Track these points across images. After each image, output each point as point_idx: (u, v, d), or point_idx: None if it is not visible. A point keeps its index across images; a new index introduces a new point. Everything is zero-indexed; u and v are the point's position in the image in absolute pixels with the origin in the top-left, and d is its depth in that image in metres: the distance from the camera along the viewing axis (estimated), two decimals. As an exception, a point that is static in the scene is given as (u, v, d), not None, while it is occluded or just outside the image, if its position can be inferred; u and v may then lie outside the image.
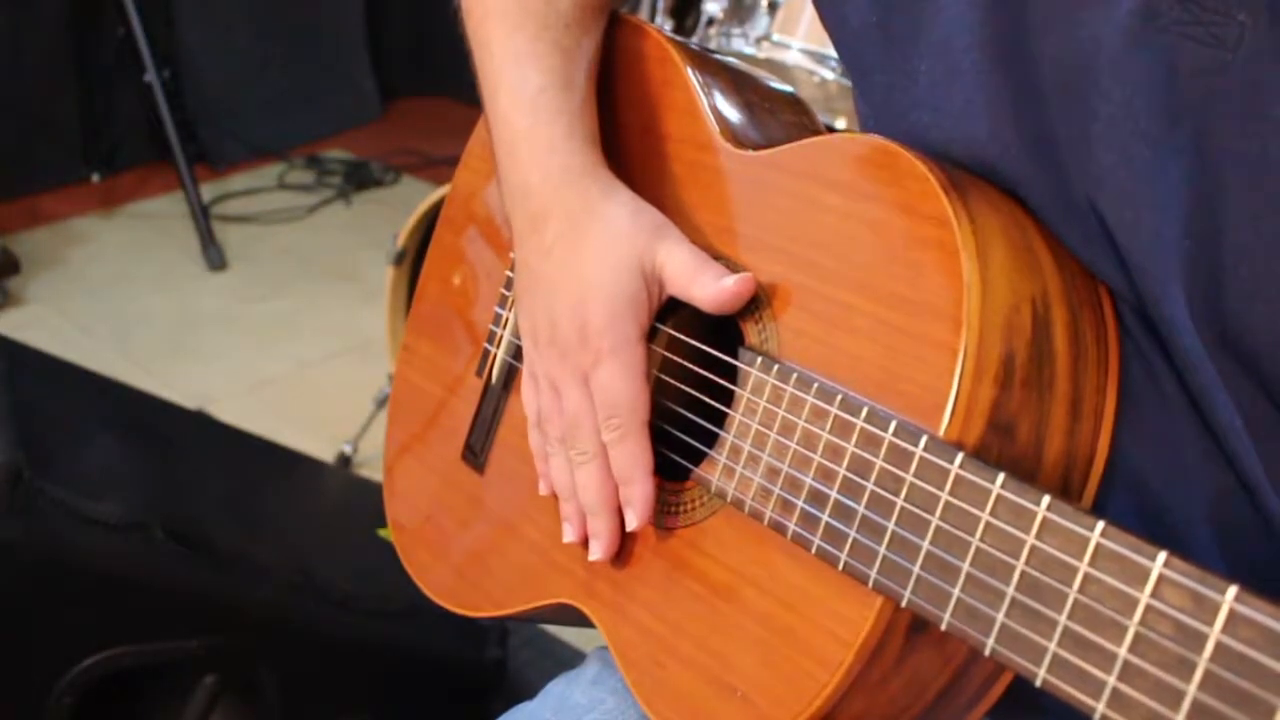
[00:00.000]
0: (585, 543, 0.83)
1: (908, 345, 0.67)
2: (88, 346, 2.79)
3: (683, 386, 0.84)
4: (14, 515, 1.29)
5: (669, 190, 0.88)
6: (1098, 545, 0.55)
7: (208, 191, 3.44)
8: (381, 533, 1.55)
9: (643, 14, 2.43)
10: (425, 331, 1.10)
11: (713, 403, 0.80)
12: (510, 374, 0.98)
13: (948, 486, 0.62)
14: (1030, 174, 0.70)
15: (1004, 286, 0.65)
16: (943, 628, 0.61)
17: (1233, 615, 0.50)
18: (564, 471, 0.84)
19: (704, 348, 0.82)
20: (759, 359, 0.75)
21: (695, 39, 2.23)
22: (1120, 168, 0.65)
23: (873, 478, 0.66)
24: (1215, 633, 0.50)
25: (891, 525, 0.64)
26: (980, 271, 0.65)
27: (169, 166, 3.32)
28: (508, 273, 1.01)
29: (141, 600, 1.39)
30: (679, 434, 0.83)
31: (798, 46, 2.10)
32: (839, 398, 0.69)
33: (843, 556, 0.66)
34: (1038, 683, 0.57)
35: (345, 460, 2.41)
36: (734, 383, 0.77)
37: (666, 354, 0.86)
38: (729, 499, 0.75)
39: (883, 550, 0.64)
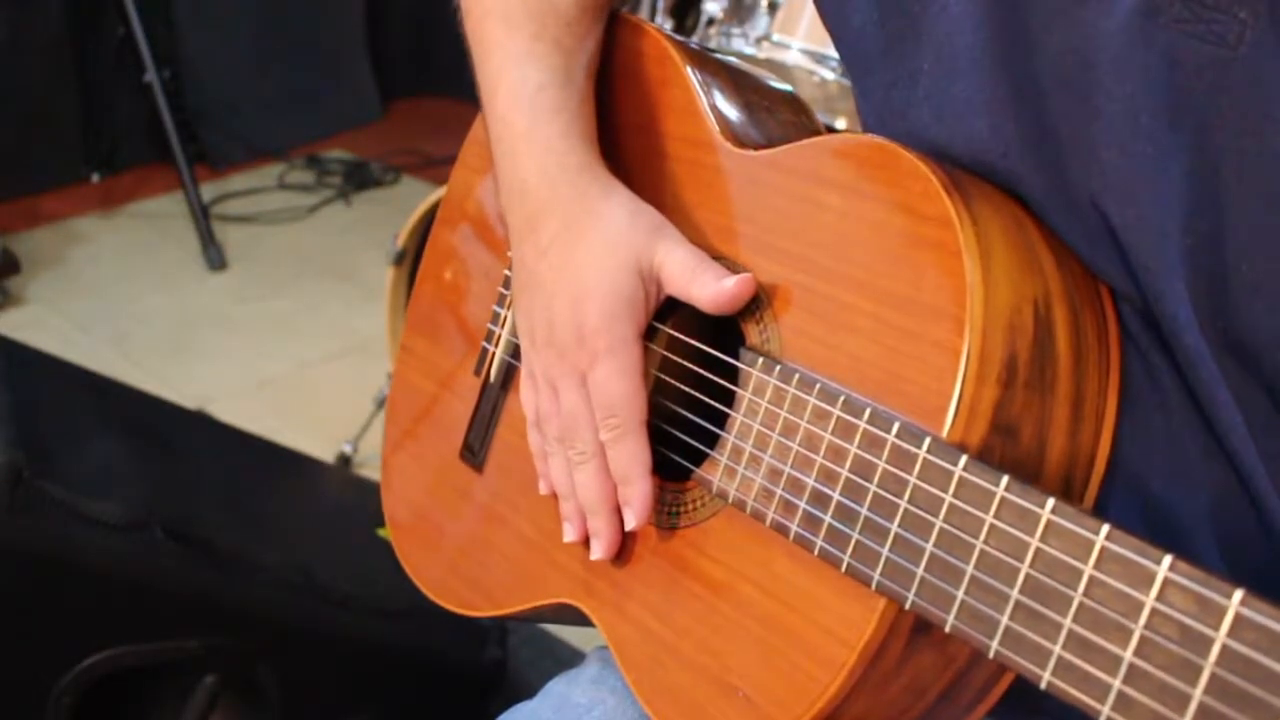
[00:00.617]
0: (586, 542, 0.83)
1: (910, 346, 0.67)
2: (88, 346, 2.78)
3: (684, 387, 0.84)
4: (14, 515, 1.29)
5: (669, 190, 0.87)
6: (1102, 548, 0.55)
7: (208, 191, 3.44)
8: (381, 533, 1.55)
9: (643, 14, 2.43)
10: (423, 331, 1.10)
11: (714, 403, 0.79)
12: (509, 373, 0.98)
13: (951, 488, 0.61)
14: (1032, 172, 0.70)
15: (1006, 287, 0.65)
16: (946, 630, 0.61)
17: (1238, 619, 0.49)
18: (563, 471, 0.84)
19: (705, 348, 0.82)
20: (760, 360, 0.75)
21: (695, 39, 2.23)
22: (1122, 165, 0.65)
23: (876, 479, 0.65)
24: (1220, 636, 0.50)
25: (895, 527, 0.64)
26: (982, 272, 0.65)
27: (169, 166, 3.32)
28: (505, 271, 1.01)
29: (141, 600, 1.38)
30: (680, 434, 0.83)
31: (798, 46, 2.10)
32: (841, 399, 0.68)
33: (845, 558, 0.66)
34: (1042, 685, 0.57)
35: (345, 460, 2.40)
36: (735, 383, 0.77)
37: (667, 354, 0.85)
38: (730, 500, 0.75)
39: (886, 552, 0.64)
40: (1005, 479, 0.59)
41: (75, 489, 1.36)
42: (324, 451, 2.34)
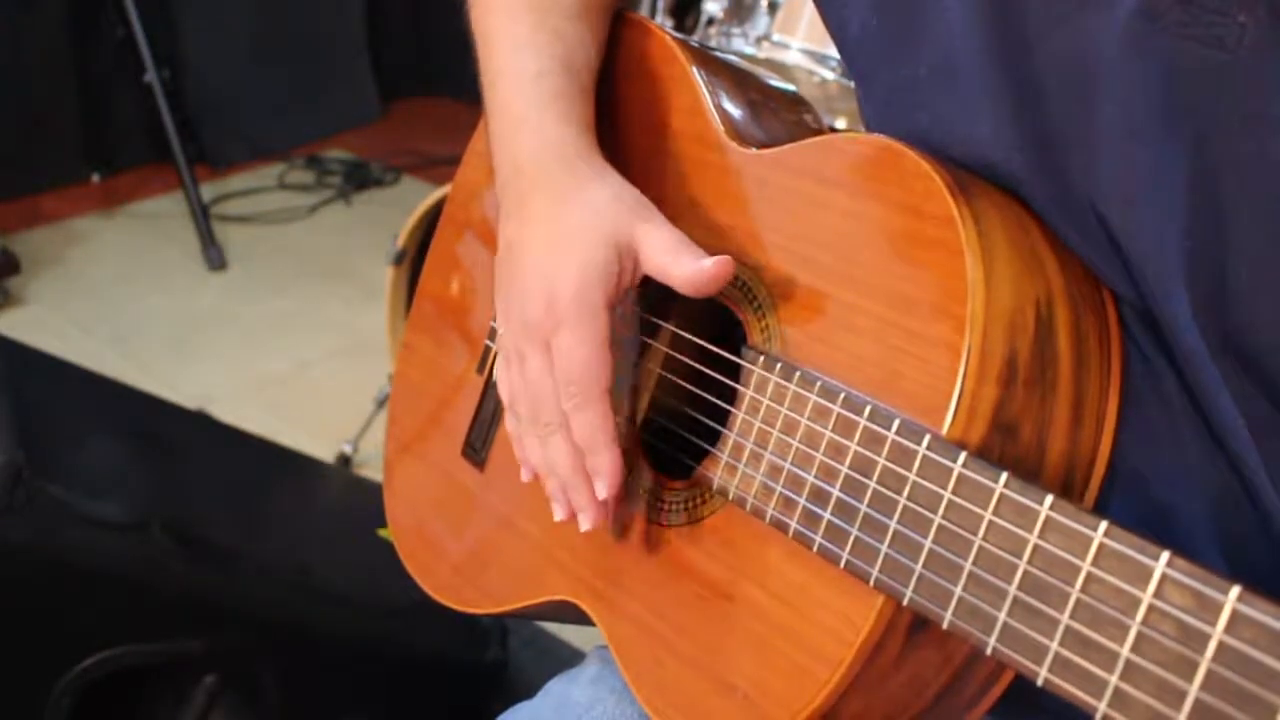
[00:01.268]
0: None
1: (911, 345, 0.67)
2: (88, 346, 2.78)
3: (686, 385, 0.84)
4: (14, 515, 1.29)
5: (673, 188, 0.88)
6: (1101, 545, 0.55)
7: (208, 191, 3.44)
8: (381, 533, 1.55)
9: (642, 13, 2.43)
10: (426, 329, 1.10)
11: (716, 401, 0.80)
12: None
13: (950, 485, 0.62)
14: (1032, 175, 0.70)
15: (1008, 287, 0.65)
16: (944, 626, 0.61)
17: (1235, 615, 0.50)
18: (535, 449, 0.83)
19: (708, 346, 0.82)
20: (762, 357, 0.75)
21: (695, 39, 2.23)
22: (1121, 169, 0.65)
23: (875, 476, 0.66)
24: (1218, 632, 0.50)
25: (894, 524, 0.64)
26: (984, 272, 0.65)
27: (169, 166, 3.32)
28: None
29: (141, 600, 1.39)
30: (682, 432, 0.83)
31: (798, 46, 2.10)
32: (842, 396, 0.69)
33: (844, 555, 0.66)
34: (1039, 682, 0.57)
35: (345, 460, 2.41)
36: (737, 381, 0.77)
37: (670, 352, 0.86)
38: (731, 497, 0.75)
39: (884, 549, 0.64)
40: (1004, 476, 0.59)
41: (75, 489, 1.36)
42: (324, 451, 2.34)
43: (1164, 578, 0.52)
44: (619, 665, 0.80)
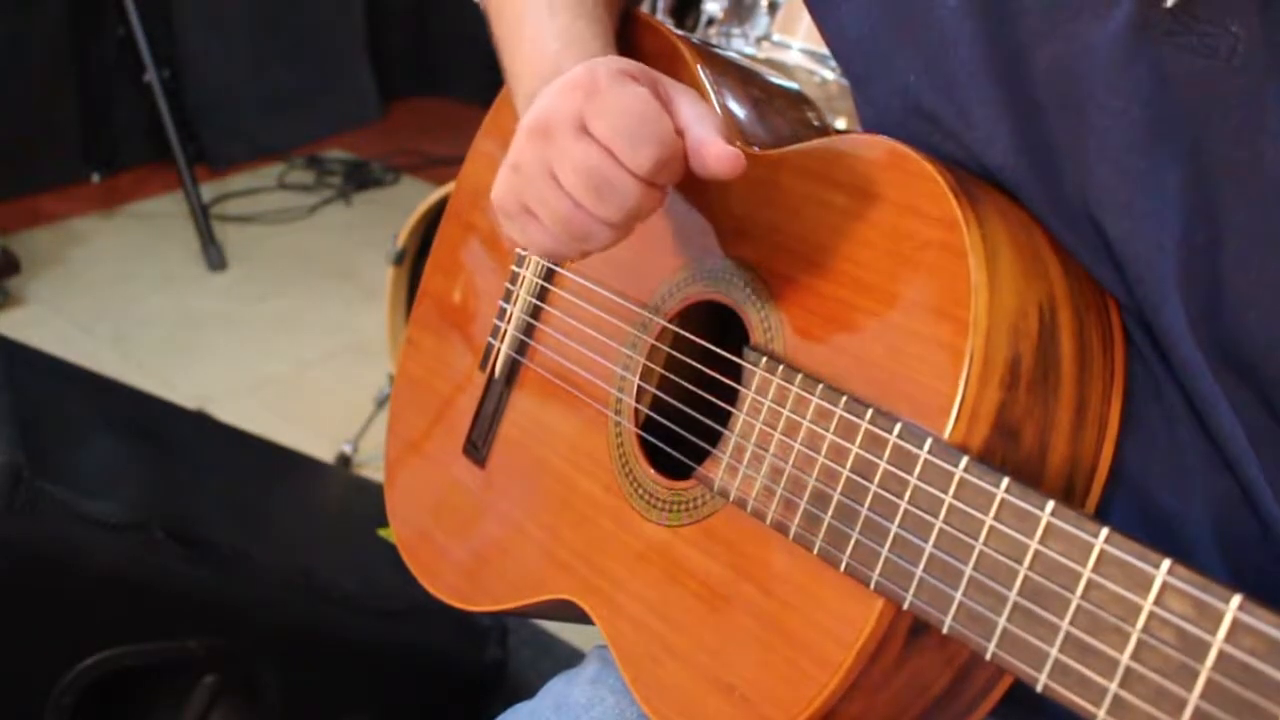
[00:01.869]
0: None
1: (914, 347, 0.67)
2: (88, 346, 2.78)
3: (688, 385, 0.84)
4: (14, 515, 1.29)
5: (676, 187, 0.88)
6: (1101, 551, 0.55)
7: (208, 191, 3.44)
8: (381, 533, 1.55)
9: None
10: (429, 326, 1.10)
11: (718, 402, 0.80)
12: (513, 368, 0.98)
13: (951, 489, 0.62)
14: (1028, 184, 0.70)
15: (1011, 290, 0.65)
16: (944, 631, 0.61)
17: (1236, 624, 0.50)
18: (559, 204, 0.75)
19: (710, 346, 0.82)
20: (764, 359, 0.75)
21: (698, 38, 2.23)
22: (1116, 178, 0.66)
23: (876, 479, 0.66)
24: (1218, 641, 0.50)
25: (894, 527, 0.64)
26: (988, 275, 0.65)
27: (169, 166, 3.32)
28: (512, 267, 1.01)
29: (141, 600, 1.39)
30: (683, 432, 0.83)
31: (798, 46, 2.10)
32: (844, 399, 0.69)
33: (844, 558, 0.66)
34: (1039, 688, 0.57)
35: (345, 460, 2.40)
36: (739, 382, 0.77)
37: (672, 352, 0.86)
38: (731, 498, 0.75)
39: (885, 552, 0.64)
40: (1005, 480, 0.59)
41: (75, 489, 1.36)
42: (324, 451, 2.34)
43: (1165, 585, 0.52)
44: (618, 664, 0.80)
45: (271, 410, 2.59)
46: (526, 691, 0.94)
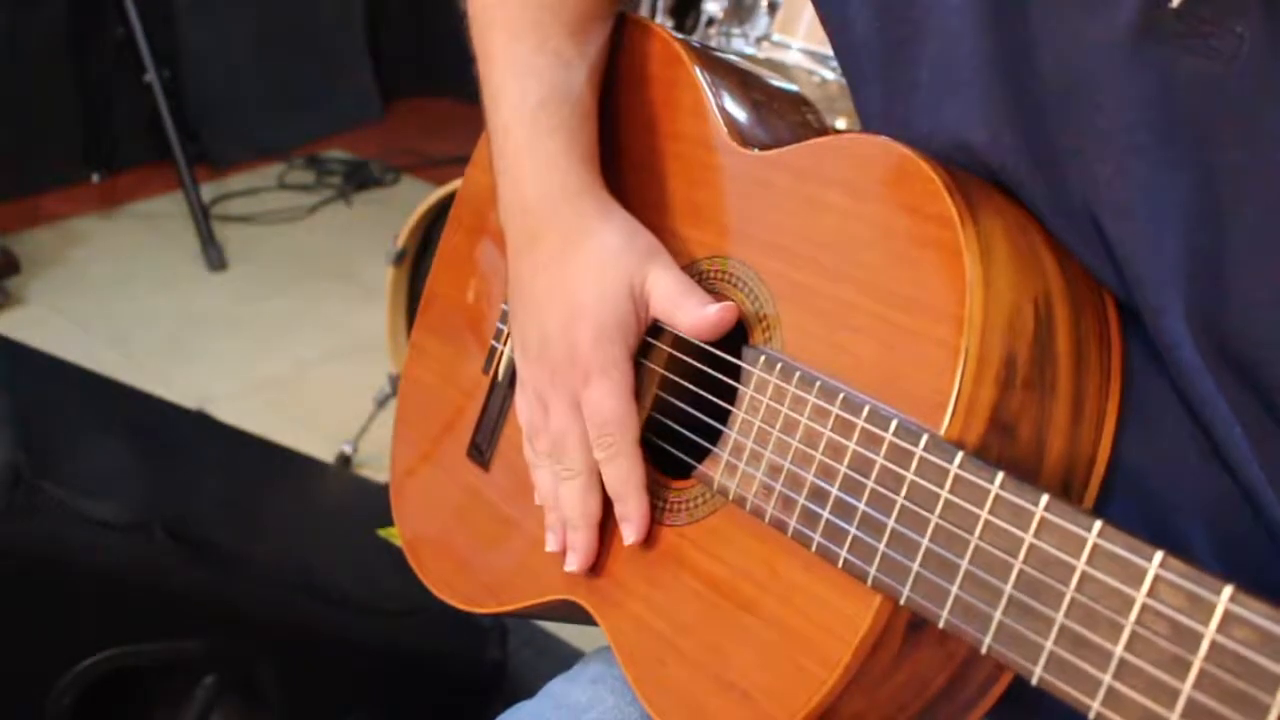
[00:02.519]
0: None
1: (910, 345, 0.67)
2: (88, 346, 2.78)
3: (689, 385, 0.84)
4: (14, 515, 1.30)
5: (675, 189, 0.88)
6: (1095, 545, 0.55)
7: (208, 191, 3.44)
8: (382, 533, 1.55)
9: (642, 14, 2.43)
10: (434, 329, 1.11)
11: (717, 400, 0.80)
12: (516, 371, 0.98)
13: (947, 485, 0.62)
14: (1030, 184, 0.70)
15: (1007, 287, 0.66)
16: (940, 625, 0.61)
17: (1228, 615, 0.50)
18: (549, 484, 0.86)
19: (709, 346, 0.82)
20: (762, 357, 0.75)
21: (696, 39, 2.24)
22: (1118, 179, 0.66)
23: (873, 476, 0.66)
24: (1210, 632, 0.50)
25: (891, 523, 0.64)
26: (983, 272, 0.65)
27: (169, 166, 3.32)
28: None
29: (141, 600, 1.39)
30: (684, 431, 0.83)
31: (798, 46, 2.10)
32: (841, 396, 0.69)
33: (842, 554, 0.67)
34: (1034, 681, 0.57)
35: (345, 460, 2.41)
36: (738, 381, 0.77)
37: (673, 352, 0.86)
38: (731, 496, 0.76)
39: (882, 548, 0.64)
40: (1000, 476, 0.60)
41: (75, 489, 1.36)
42: (324, 451, 2.34)
43: (1157, 578, 0.53)
44: (620, 664, 0.80)
45: (271, 410, 2.60)
46: (526, 691, 0.94)
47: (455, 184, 1.14)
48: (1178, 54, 0.62)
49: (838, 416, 0.69)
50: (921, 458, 0.63)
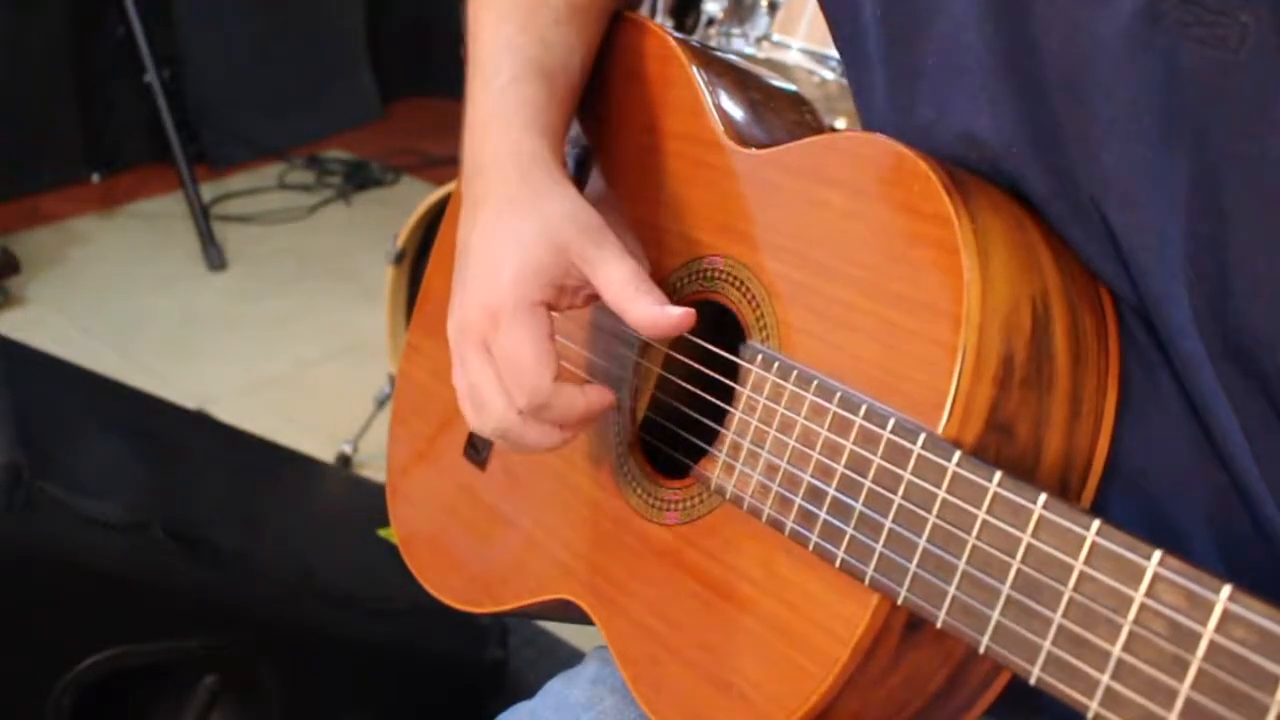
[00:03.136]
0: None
1: (907, 344, 0.67)
2: (88, 346, 2.79)
3: (685, 384, 0.84)
4: (14, 515, 1.30)
5: (672, 188, 0.88)
6: (1093, 544, 0.55)
7: (208, 191, 3.44)
8: (382, 532, 1.55)
9: (642, 14, 2.43)
10: (430, 328, 1.11)
11: (716, 400, 0.80)
12: None
13: (945, 484, 0.62)
14: (1034, 173, 0.70)
15: (1004, 286, 0.66)
16: (938, 625, 0.61)
17: (1226, 614, 0.50)
18: (491, 434, 0.84)
19: (706, 345, 0.82)
20: (760, 355, 0.75)
21: (695, 38, 2.23)
22: (1123, 168, 0.65)
23: (870, 475, 0.66)
24: (1209, 632, 0.50)
25: (889, 522, 0.64)
26: (980, 270, 0.65)
27: (169, 166, 3.32)
28: None
29: (141, 600, 1.39)
30: (681, 431, 0.83)
31: (798, 46, 2.10)
32: (838, 395, 0.69)
33: (839, 553, 0.66)
34: (1032, 680, 0.57)
35: (345, 460, 2.41)
36: (736, 380, 0.77)
37: (669, 351, 0.86)
38: (728, 496, 0.76)
39: (879, 547, 0.64)
40: (998, 475, 0.60)
41: (75, 489, 1.36)
42: (324, 451, 2.34)
43: (1156, 577, 0.52)
44: (617, 664, 0.80)
45: (271, 410, 2.60)
46: (526, 691, 0.94)
47: (455, 184, 1.14)
48: (1182, 42, 0.62)
49: (835, 415, 0.69)
50: (919, 456, 0.63)
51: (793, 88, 0.97)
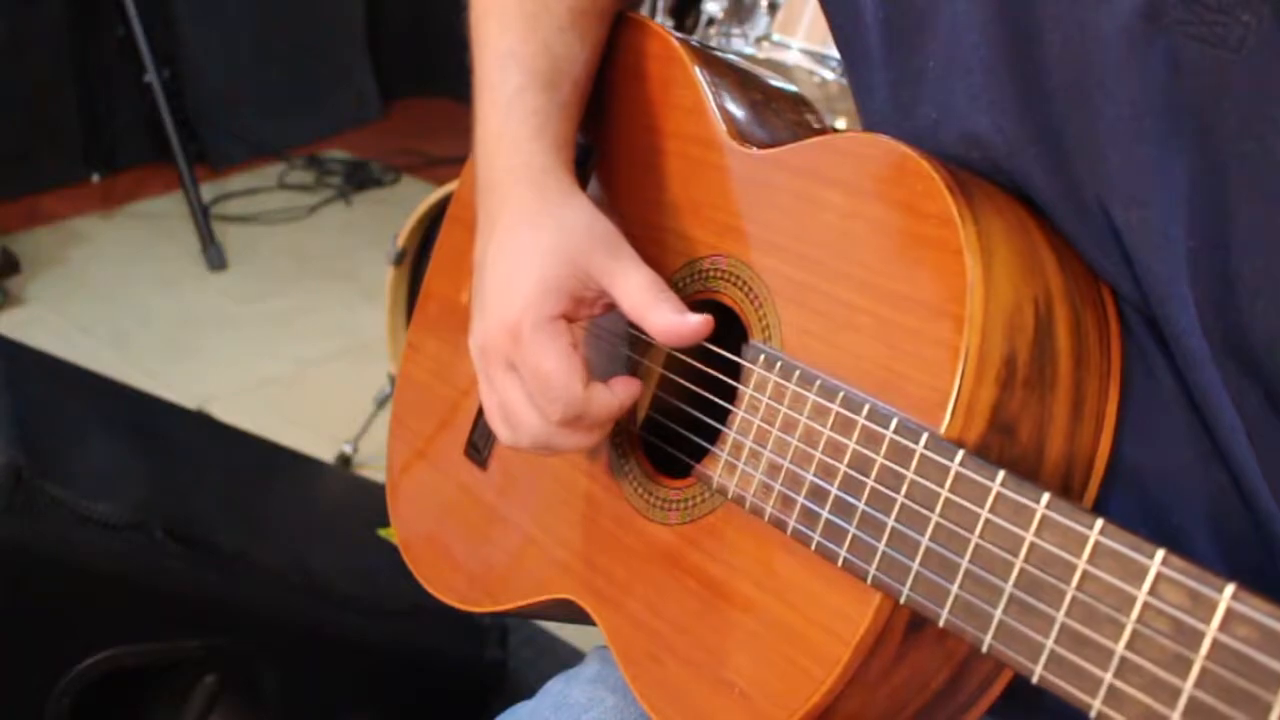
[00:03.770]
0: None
1: (910, 344, 0.67)
2: (88, 346, 2.79)
3: (687, 383, 0.84)
4: (14, 515, 1.29)
5: (674, 188, 0.88)
6: (1096, 543, 0.55)
7: (208, 191, 3.44)
8: (382, 532, 1.55)
9: (642, 13, 2.43)
10: (430, 328, 1.11)
11: (717, 399, 0.80)
12: None
13: (948, 484, 0.62)
14: (1037, 172, 0.70)
15: (1007, 286, 0.66)
16: (940, 624, 0.61)
17: (1230, 613, 0.50)
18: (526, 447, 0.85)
19: (708, 345, 0.82)
20: (762, 355, 0.75)
21: (696, 39, 2.24)
22: (1126, 167, 0.65)
23: (873, 474, 0.66)
24: (1212, 630, 0.50)
25: (891, 522, 0.64)
26: (983, 271, 0.65)
27: (169, 166, 3.32)
28: None
29: (141, 600, 1.39)
30: (683, 430, 0.83)
31: (798, 46, 2.10)
32: (841, 395, 0.69)
33: (842, 553, 0.66)
34: (1035, 680, 0.57)
35: (345, 460, 2.41)
36: (738, 380, 0.77)
37: (672, 350, 0.86)
38: (730, 495, 0.75)
39: (882, 547, 0.64)
40: (1001, 474, 0.60)
41: (75, 489, 1.36)
42: (324, 451, 2.34)
43: (1159, 576, 0.53)
44: (618, 663, 0.80)
45: (271, 410, 2.60)
46: (526, 691, 0.94)
47: (455, 184, 1.14)
48: (1182, 41, 0.62)
49: (838, 415, 0.69)
50: (922, 456, 0.63)
51: (793, 88, 0.97)
